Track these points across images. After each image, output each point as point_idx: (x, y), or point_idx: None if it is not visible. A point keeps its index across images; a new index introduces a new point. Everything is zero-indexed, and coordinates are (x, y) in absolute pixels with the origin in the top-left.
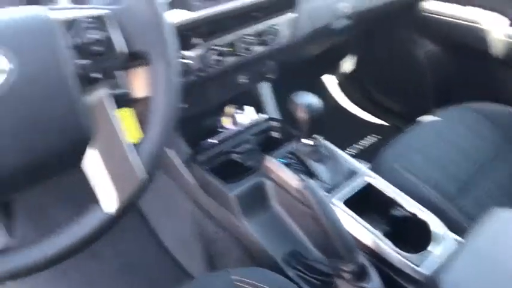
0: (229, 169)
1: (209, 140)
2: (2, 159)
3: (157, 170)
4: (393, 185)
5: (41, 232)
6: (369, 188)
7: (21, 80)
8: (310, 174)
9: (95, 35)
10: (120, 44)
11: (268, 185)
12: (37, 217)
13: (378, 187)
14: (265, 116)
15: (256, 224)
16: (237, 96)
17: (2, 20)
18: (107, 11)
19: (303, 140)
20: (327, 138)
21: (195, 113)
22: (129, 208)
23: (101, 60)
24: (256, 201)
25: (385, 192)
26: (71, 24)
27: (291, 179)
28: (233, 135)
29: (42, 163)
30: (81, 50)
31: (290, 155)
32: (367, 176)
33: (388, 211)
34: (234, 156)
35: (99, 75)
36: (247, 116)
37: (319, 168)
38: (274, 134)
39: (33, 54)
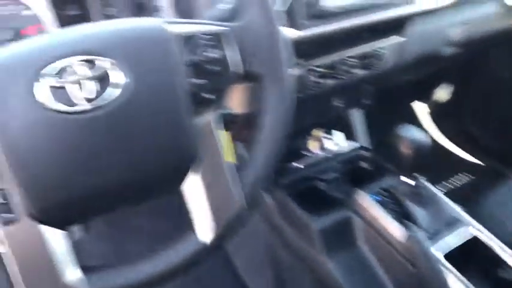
0: (312, 197)
1: (293, 164)
2: (105, 174)
3: (260, 202)
4: (501, 241)
5: (116, 235)
6: (473, 242)
7: (135, 95)
8: (407, 217)
9: (211, 53)
10: (235, 63)
11: (357, 223)
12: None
13: (485, 242)
14: (355, 144)
15: (338, 263)
16: (325, 119)
17: (117, 32)
18: (225, 29)
19: (402, 178)
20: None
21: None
22: (225, 239)
23: (216, 80)
24: (341, 238)
25: (492, 249)
26: (188, 40)
27: (389, 223)
28: (319, 161)
29: (143, 183)
30: (196, 68)
31: (384, 193)
32: (472, 226)
33: (495, 271)
34: (319, 184)
35: (211, 96)
36: (336, 141)
37: (418, 212)
38: (364, 165)
39: (150, 68)
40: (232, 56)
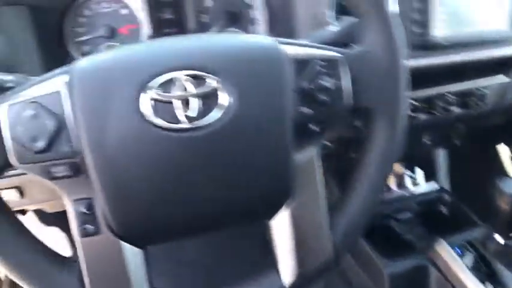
0: (384, 237)
1: None
2: (196, 196)
3: (351, 250)
4: None
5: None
6: None
7: (238, 118)
8: (493, 279)
9: (324, 81)
10: (347, 95)
11: (433, 274)
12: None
13: None
14: (435, 185)
15: None
16: (407, 154)
17: (230, 49)
18: (342, 55)
19: (496, 236)
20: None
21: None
22: (306, 286)
23: (323, 111)
24: (412, 287)
25: None
26: (301, 64)
27: (470, 281)
28: (396, 198)
29: (233, 209)
30: (306, 96)
31: (469, 247)
32: None
33: None
34: (393, 224)
35: (316, 129)
36: (416, 180)
37: (506, 276)
38: (444, 210)
39: (258, 91)
40: (346, 87)
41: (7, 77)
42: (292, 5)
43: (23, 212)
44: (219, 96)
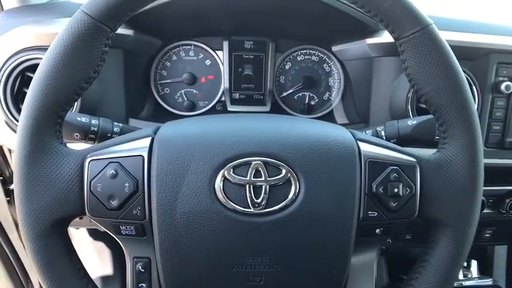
0: None
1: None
2: (249, 278)
3: None
4: None
5: None
6: None
7: (303, 211)
8: None
9: (397, 187)
10: (416, 202)
11: None
12: None
13: None
14: (488, 281)
15: None
16: None
17: (303, 140)
18: (416, 160)
19: None
20: None
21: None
22: None
23: (391, 217)
24: None
25: None
26: (378, 167)
27: None
28: None
29: None
30: (375, 198)
31: None
32: None
33: None
34: None
35: (378, 232)
36: (468, 271)
37: None
38: None
39: (327, 187)
40: (417, 194)
41: (93, 121)
42: (371, 82)
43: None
44: (291, 187)
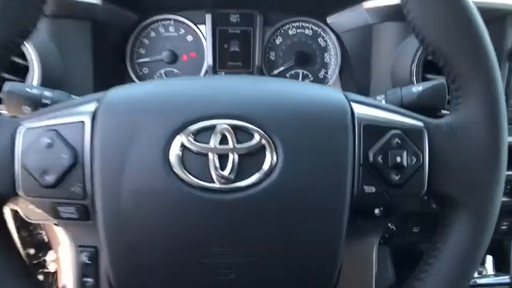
0: None
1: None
2: (217, 269)
3: None
4: None
5: None
6: None
7: (282, 187)
8: None
9: (397, 155)
10: (425, 176)
11: None
12: None
13: None
14: (505, 278)
15: None
16: None
17: (282, 99)
18: (424, 125)
19: None
20: None
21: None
22: None
23: (393, 193)
24: None
25: None
26: (376, 132)
27: None
28: None
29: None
30: (374, 172)
31: None
32: None
33: None
34: None
35: (378, 212)
36: (483, 267)
37: None
38: None
39: (312, 157)
40: (425, 166)
41: (46, 93)
42: (370, 54)
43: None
44: (265, 157)
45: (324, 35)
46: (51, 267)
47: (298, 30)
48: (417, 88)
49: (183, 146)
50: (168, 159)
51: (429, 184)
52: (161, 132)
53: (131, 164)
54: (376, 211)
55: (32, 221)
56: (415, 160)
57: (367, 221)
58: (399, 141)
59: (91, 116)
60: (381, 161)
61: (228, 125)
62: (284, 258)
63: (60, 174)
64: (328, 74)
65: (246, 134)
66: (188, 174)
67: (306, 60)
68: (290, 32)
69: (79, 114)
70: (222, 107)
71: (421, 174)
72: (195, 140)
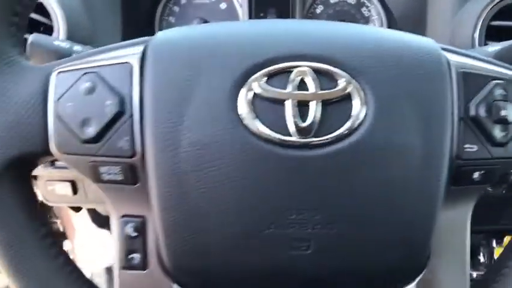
0: None
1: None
2: (297, 241)
3: None
4: None
5: None
6: None
7: (372, 140)
8: None
9: (505, 109)
10: None
11: None
12: None
13: None
14: None
15: None
16: None
17: (371, 41)
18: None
19: None
20: None
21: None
22: None
23: (495, 153)
24: None
25: None
26: (476, 83)
27: None
28: None
29: (348, 275)
30: (475, 128)
31: None
32: None
33: None
34: None
35: (477, 177)
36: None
37: None
38: None
39: (407, 107)
40: None
41: (75, 47)
42: (424, 24)
43: (78, 209)
44: (352, 106)
45: (369, 4)
46: None
47: None
48: (493, 48)
49: (253, 92)
50: (237, 107)
51: None
52: (227, 74)
53: (191, 113)
54: (476, 175)
55: (51, 204)
56: None
57: (463, 187)
58: (504, 92)
59: (139, 58)
60: (485, 113)
61: (309, 66)
62: (371, 227)
63: (103, 125)
64: None
65: (330, 79)
66: (261, 125)
67: (346, 17)
68: (332, 1)
69: (124, 56)
70: (299, 45)
71: None
72: (268, 84)
